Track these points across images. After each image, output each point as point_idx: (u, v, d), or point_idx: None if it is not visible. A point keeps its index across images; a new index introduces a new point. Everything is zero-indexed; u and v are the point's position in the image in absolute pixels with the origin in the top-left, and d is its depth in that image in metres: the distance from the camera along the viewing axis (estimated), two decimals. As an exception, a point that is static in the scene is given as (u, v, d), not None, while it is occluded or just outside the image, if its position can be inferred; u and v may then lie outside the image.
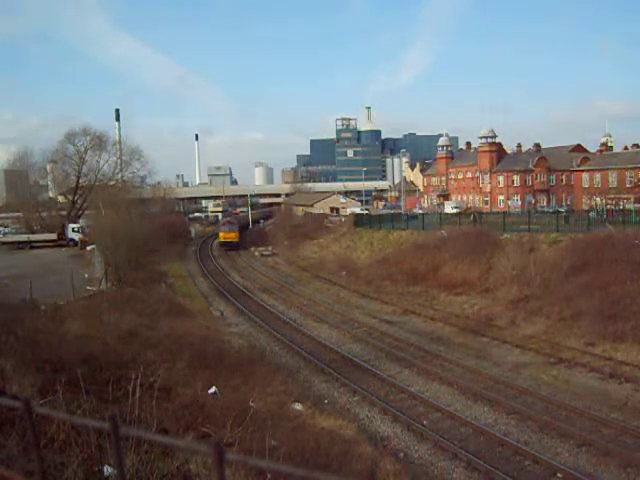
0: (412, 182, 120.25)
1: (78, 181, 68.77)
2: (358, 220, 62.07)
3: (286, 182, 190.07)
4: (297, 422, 14.75)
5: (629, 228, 34.31)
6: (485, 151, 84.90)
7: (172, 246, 59.36)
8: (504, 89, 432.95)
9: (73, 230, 61.18)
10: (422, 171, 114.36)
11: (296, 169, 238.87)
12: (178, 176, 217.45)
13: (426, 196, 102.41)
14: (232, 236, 68.14)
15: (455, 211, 67.75)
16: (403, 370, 22.00)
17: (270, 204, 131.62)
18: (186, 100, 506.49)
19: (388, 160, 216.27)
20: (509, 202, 78.02)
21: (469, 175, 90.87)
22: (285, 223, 78.73)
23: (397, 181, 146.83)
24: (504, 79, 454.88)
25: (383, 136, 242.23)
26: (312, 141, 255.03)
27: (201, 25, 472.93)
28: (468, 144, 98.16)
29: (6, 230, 70.45)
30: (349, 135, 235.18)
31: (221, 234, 69.62)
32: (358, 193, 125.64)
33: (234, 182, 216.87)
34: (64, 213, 69.33)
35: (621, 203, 57.70)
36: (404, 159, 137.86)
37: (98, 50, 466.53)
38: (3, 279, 34.03)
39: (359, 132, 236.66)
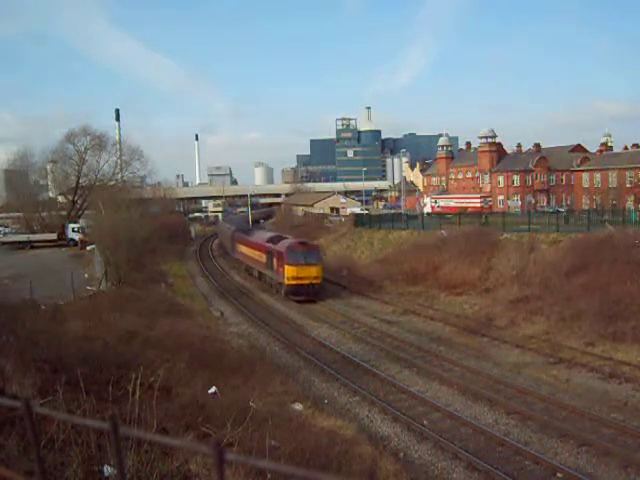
0: (412, 182, 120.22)
1: (78, 181, 68.73)
2: (358, 220, 62.04)
3: (286, 182, 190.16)
4: (297, 422, 14.73)
5: (629, 228, 34.29)
6: (485, 151, 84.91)
7: (172, 246, 59.38)
8: (504, 89, 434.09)
9: (73, 230, 61.15)
10: (422, 171, 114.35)
11: (296, 169, 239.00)
12: (178, 176, 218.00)
13: (426, 196, 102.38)
14: (312, 273, 34.74)
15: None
16: (403, 370, 21.99)
17: (270, 204, 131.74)
18: (186, 100, 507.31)
19: (388, 160, 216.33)
20: (509, 202, 78.02)
21: (469, 175, 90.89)
22: (285, 223, 78.69)
23: (397, 181, 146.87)
24: (504, 79, 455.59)
25: (383, 136, 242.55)
26: (312, 141, 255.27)
27: (201, 25, 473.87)
28: (468, 144, 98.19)
29: (6, 230, 70.39)
30: (349, 135, 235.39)
31: (288, 269, 34.56)
32: (358, 193, 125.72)
33: (234, 182, 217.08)
34: (64, 213, 69.27)
35: None
36: (404, 159, 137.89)
37: (97, 50, 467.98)
38: (3, 279, 34.01)
39: (359, 132, 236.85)
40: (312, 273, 34.55)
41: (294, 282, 34.31)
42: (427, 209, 72.80)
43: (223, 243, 66.71)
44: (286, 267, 34.49)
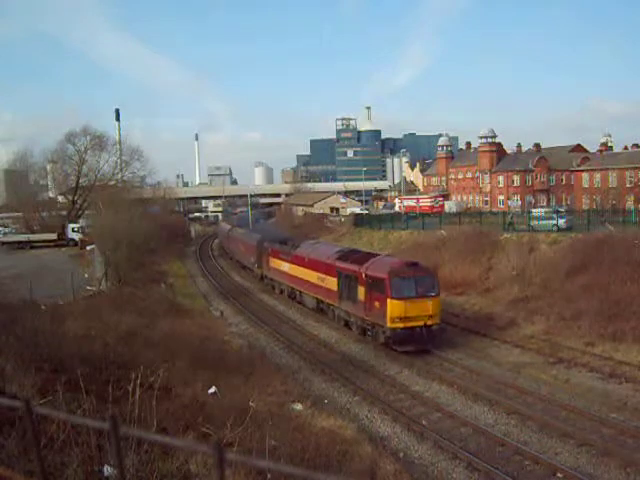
0: (412, 182, 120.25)
1: (78, 181, 68.79)
2: (358, 220, 62.10)
3: (286, 182, 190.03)
4: (297, 422, 14.75)
5: (629, 228, 34.30)
6: (485, 151, 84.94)
7: (172, 246, 59.40)
8: (504, 89, 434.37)
9: (73, 230, 61.18)
10: (422, 171, 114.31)
11: (296, 169, 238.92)
12: (178, 176, 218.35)
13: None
14: (428, 311, 23.53)
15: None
16: (403, 370, 21.98)
17: (270, 204, 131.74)
18: (186, 100, 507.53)
19: (388, 160, 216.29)
20: (509, 202, 78.06)
21: (469, 175, 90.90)
22: (285, 223, 78.75)
23: (397, 181, 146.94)
24: (504, 79, 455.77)
25: (383, 136, 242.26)
26: (312, 141, 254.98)
27: (201, 26, 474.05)
28: (468, 144, 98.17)
29: (6, 230, 70.43)
30: (349, 135, 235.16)
31: (393, 305, 23.10)
32: (358, 193, 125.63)
33: (234, 182, 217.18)
34: (64, 213, 69.32)
35: None
36: (404, 159, 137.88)
37: (97, 50, 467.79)
38: (3, 279, 34.00)
39: (359, 132, 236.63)
40: (427, 310, 23.34)
41: (401, 325, 22.96)
42: (396, 208, 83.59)
43: (233, 252, 56.66)
44: (389, 302, 23.02)
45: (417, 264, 25.15)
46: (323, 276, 29.56)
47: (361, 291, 25.20)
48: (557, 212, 46.82)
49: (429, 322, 23.31)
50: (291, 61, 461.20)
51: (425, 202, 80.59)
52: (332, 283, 28.39)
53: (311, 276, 31.27)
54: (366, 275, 24.84)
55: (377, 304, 23.91)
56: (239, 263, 52.68)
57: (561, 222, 39.73)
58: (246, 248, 48.12)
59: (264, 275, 42.16)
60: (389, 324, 23.13)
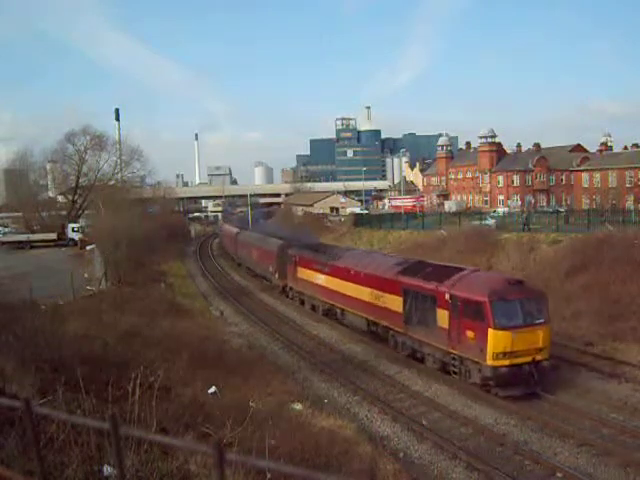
0: (412, 182, 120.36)
1: (78, 181, 68.81)
2: (358, 220, 62.13)
3: (286, 182, 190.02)
4: (297, 422, 14.75)
5: (629, 228, 34.28)
6: (485, 151, 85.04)
7: (172, 246, 59.37)
8: (504, 89, 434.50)
9: (73, 230, 61.16)
10: (422, 171, 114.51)
11: (296, 169, 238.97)
12: (178, 176, 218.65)
13: (426, 196, 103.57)
14: (538, 343, 17.97)
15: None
16: (403, 370, 21.98)
17: (270, 204, 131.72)
18: (186, 100, 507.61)
19: (388, 160, 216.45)
20: (509, 202, 78.07)
21: (469, 175, 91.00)
22: (285, 223, 78.70)
23: (397, 181, 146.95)
24: (504, 79, 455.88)
25: (383, 136, 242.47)
26: (312, 141, 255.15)
27: (201, 26, 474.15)
28: (468, 144, 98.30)
29: (6, 230, 70.39)
30: (349, 135, 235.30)
31: (495, 336, 17.46)
32: (358, 193, 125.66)
33: (234, 182, 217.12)
34: (64, 213, 69.33)
35: None
36: (404, 159, 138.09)
37: (97, 50, 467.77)
38: (3, 279, 33.99)
39: (359, 132, 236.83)
40: (537, 342, 18.14)
41: (507, 362, 17.71)
42: (387, 208, 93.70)
43: (242, 258, 50.94)
44: (491, 333, 17.80)
45: (522, 282, 19.92)
46: (380, 293, 24.06)
47: (442, 316, 19.78)
48: (557, 212, 47.31)
49: (538, 357, 18.19)
50: (291, 61, 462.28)
51: (409, 202, 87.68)
52: (394, 303, 22.80)
53: (361, 292, 25.68)
54: (452, 296, 19.31)
55: (470, 334, 18.58)
56: (250, 271, 47.06)
57: (491, 222, 45.94)
58: (261, 254, 42.05)
59: (288, 287, 36.52)
60: (490, 361, 17.81)
